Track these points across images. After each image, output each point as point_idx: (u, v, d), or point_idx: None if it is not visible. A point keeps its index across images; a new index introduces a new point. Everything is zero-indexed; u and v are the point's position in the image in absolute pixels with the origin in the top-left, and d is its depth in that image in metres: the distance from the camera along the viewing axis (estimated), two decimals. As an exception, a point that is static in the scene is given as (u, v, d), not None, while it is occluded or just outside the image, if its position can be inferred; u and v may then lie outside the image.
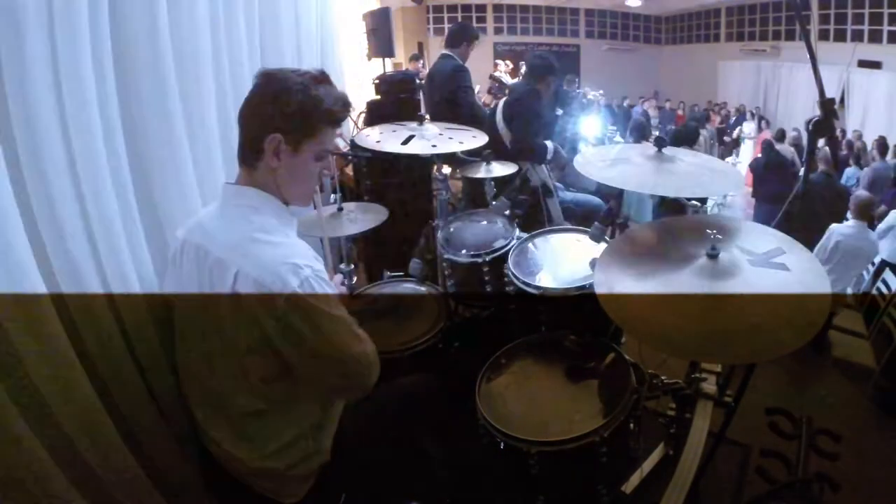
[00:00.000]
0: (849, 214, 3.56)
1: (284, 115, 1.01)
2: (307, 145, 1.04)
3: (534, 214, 2.45)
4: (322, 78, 1.05)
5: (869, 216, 3.53)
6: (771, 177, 5.18)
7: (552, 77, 2.87)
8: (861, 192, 3.61)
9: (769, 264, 1.11)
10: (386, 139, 1.89)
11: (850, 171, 6.61)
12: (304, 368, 1.02)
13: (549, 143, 2.69)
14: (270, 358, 0.99)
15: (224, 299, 0.97)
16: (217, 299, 0.98)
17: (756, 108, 10.63)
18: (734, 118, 10.28)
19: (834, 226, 3.51)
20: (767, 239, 1.21)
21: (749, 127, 9.87)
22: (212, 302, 1.00)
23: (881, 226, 4.07)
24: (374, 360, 1.09)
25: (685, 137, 5.07)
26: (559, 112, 3.05)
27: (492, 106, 3.37)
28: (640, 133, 5.23)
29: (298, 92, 1.01)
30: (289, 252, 0.99)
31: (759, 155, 7.16)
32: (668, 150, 1.40)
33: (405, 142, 1.84)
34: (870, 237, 3.56)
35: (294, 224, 1.11)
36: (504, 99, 2.82)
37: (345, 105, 1.08)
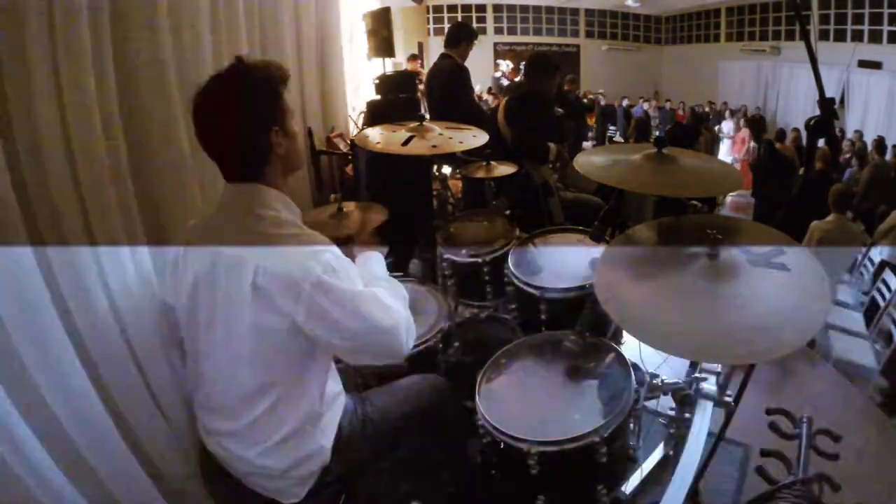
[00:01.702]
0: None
1: (261, 110, 1.00)
2: (289, 115, 1.06)
3: (534, 214, 2.45)
4: (242, 59, 1.02)
5: (846, 207, 3.52)
6: (771, 176, 5.18)
7: (555, 78, 2.88)
8: (835, 185, 3.60)
9: (769, 264, 1.11)
10: (386, 139, 1.90)
11: (850, 172, 6.62)
12: (337, 346, 1.03)
13: (550, 143, 2.68)
14: (279, 347, 1.00)
15: (236, 296, 0.97)
16: (228, 297, 0.98)
17: (757, 107, 10.63)
18: (710, 117, 10.26)
19: (814, 223, 3.51)
20: (767, 239, 1.21)
21: (727, 125, 9.89)
22: (222, 301, 1.00)
23: (882, 226, 4.07)
24: (405, 328, 1.08)
25: (683, 136, 5.07)
26: (560, 112, 3.06)
27: (494, 105, 3.37)
28: (642, 132, 5.23)
29: (258, 83, 1.00)
30: (306, 241, 1.01)
31: (754, 154, 7.12)
32: (668, 150, 1.39)
33: (405, 142, 1.84)
34: (850, 229, 3.54)
35: (300, 215, 1.11)
36: (507, 98, 2.82)
37: (272, 63, 1.06)
